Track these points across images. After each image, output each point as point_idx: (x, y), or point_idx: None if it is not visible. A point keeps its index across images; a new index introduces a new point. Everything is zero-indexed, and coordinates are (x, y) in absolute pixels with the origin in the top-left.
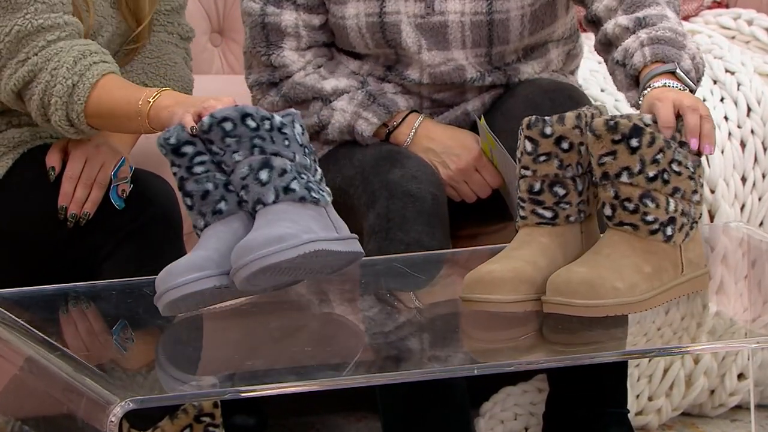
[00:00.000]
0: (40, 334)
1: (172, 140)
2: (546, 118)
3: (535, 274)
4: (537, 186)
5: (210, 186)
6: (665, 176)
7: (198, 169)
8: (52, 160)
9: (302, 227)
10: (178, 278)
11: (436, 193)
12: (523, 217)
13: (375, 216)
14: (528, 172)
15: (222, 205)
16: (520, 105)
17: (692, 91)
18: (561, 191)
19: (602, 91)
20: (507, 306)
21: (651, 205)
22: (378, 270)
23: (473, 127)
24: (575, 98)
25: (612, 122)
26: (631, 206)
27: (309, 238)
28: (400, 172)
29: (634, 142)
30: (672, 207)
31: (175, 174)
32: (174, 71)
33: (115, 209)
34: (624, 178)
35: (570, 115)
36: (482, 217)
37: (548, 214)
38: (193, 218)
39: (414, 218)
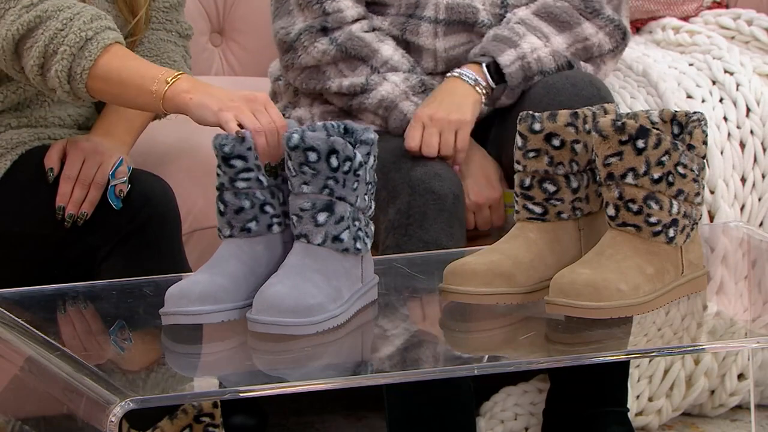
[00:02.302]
0: (40, 334)
1: (226, 149)
2: (536, 114)
3: (514, 268)
4: (527, 181)
5: (246, 204)
6: (670, 178)
7: (240, 184)
8: (51, 160)
9: (331, 290)
10: (190, 306)
11: (457, 192)
12: (516, 212)
13: (395, 211)
14: (519, 167)
15: (252, 225)
16: (541, 90)
17: (498, 82)
18: (551, 188)
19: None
20: (477, 298)
21: (655, 206)
22: (378, 270)
23: (485, 120)
24: (595, 84)
25: (619, 123)
26: (635, 207)
27: (331, 312)
28: (422, 170)
29: (640, 143)
30: (675, 209)
31: (218, 176)
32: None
33: (113, 209)
34: (629, 179)
35: (563, 113)
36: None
37: (538, 209)
38: (220, 223)
39: (434, 216)
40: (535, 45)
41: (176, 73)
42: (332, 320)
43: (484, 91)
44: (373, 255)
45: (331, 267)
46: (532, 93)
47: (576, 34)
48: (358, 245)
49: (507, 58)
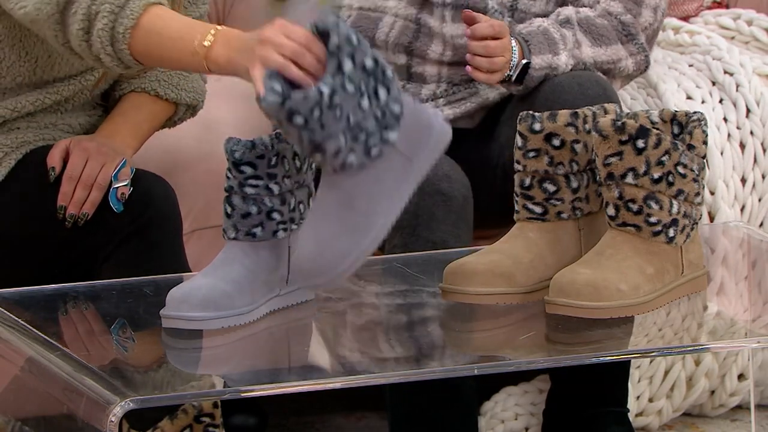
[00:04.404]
0: (40, 334)
1: (237, 155)
2: (536, 114)
3: (514, 268)
4: (527, 181)
5: (254, 209)
6: (670, 178)
7: (249, 190)
8: (53, 160)
9: (356, 235)
10: (191, 312)
11: (465, 194)
12: (516, 212)
13: (403, 211)
14: (519, 167)
15: (258, 230)
16: (547, 88)
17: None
18: (551, 188)
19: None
20: (477, 298)
21: (655, 206)
22: (378, 270)
23: (488, 117)
24: (602, 84)
25: (619, 123)
26: (635, 207)
27: (353, 259)
28: (432, 171)
29: (640, 143)
30: (675, 209)
31: (227, 179)
32: (187, 82)
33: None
34: (629, 179)
35: (563, 113)
36: (492, 221)
37: (538, 209)
38: (226, 224)
39: (442, 218)
40: (570, 63)
41: (211, 32)
42: (350, 270)
43: (508, 72)
44: (378, 254)
45: (362, 199)
46: (539, 92)
47: (609, 54)
48: (374, 152)
49: (539, 62)
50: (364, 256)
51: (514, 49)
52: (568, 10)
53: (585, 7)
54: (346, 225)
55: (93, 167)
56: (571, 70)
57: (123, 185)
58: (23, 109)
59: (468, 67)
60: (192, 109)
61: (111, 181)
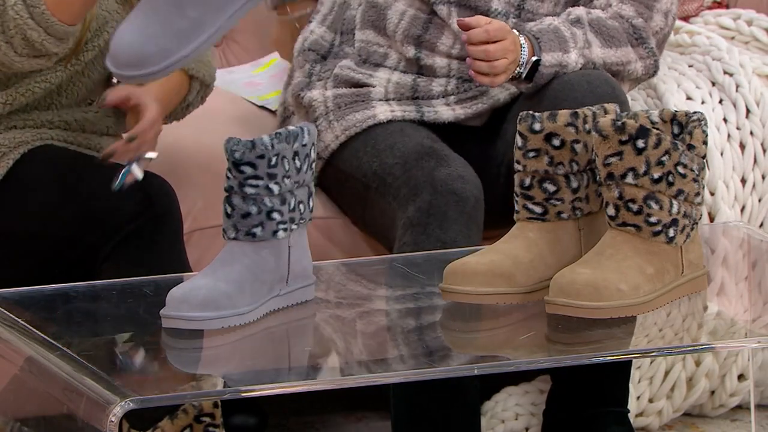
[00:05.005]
0: (40, 334)
1: (237, 155)
2: (536, 114)
3: (514, 268)
4: (527, 181)
5: (254, 209)
6: (670, 178)
7: (249, 190)
8: (115, 95)
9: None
10: (191, 312)
11: (478, 195)
12: (516, 212)
13: (415, 209)
14: (519, 167)
15: (258, 230)
16: (556, 86)
17: (532, 71)
18: (551, 188)
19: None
20: (477, 298)
21: (655, 206)
22: (378, 270)
23: (494, 115)
24: (611, 83)
25: (619, 123)
26: (635, 207)
27: (172, 61)
28: (446, 171)
29: (640, 143)
30: (675, 209)
31: (227, 179)
32: (201, 55)
33: (114, 209)
34: (629, 179)
35: (563, 113)
36: (494, 221)
37: (538, 209)
38: (225, 224)
39: (455, 218)
40: (580, 61)
41: None
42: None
43: (518, 70)
44: (387, 252)
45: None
46: (548, 89)
47: (619, 56)
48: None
49: (549, 59)
50: (182, 63)
51: (523, 46)
52: (579, 11)
53: (596, 9)
54: (174, 27)
55: (149, 134)
56: (580, 69)
57: (138, 171)
58: (15, 102)
59: (471, 72)
60: (203, 91)
61: (139, 156)
